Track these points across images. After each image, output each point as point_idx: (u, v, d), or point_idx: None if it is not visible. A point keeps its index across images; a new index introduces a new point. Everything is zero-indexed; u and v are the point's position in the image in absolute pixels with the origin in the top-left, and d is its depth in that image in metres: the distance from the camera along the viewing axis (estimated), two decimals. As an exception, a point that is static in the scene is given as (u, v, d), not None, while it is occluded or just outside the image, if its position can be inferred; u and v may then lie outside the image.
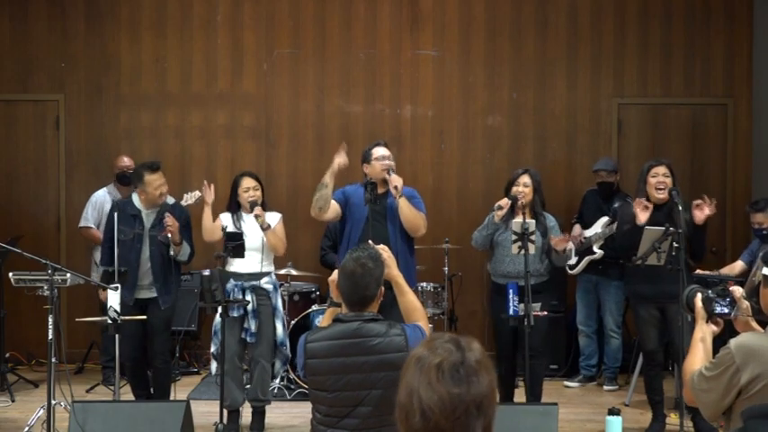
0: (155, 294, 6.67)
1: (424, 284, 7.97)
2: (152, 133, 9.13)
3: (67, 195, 9.17)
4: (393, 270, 3.99)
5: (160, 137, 9.13)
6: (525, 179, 6.64)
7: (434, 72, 9.20)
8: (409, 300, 4.00)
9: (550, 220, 6.73)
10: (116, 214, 6.66)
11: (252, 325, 6.54)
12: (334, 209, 6.44)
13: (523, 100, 9.20)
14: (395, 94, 9.22)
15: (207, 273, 6.18)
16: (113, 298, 6.16)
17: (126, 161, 8.39)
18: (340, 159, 6.40)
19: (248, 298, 6.55)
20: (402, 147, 8.99)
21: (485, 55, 9.19)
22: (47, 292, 5.76)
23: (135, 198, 6.77)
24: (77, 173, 9.19)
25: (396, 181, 6.32)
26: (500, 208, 6.52)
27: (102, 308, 6.52)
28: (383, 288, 3.82)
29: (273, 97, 9.22)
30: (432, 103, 9.21)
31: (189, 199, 6.92)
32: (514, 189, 6.61)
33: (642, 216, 6.38)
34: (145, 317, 6.56)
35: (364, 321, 3.70)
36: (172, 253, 6.63)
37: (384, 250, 4.00)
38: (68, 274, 6.06)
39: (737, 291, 3.35)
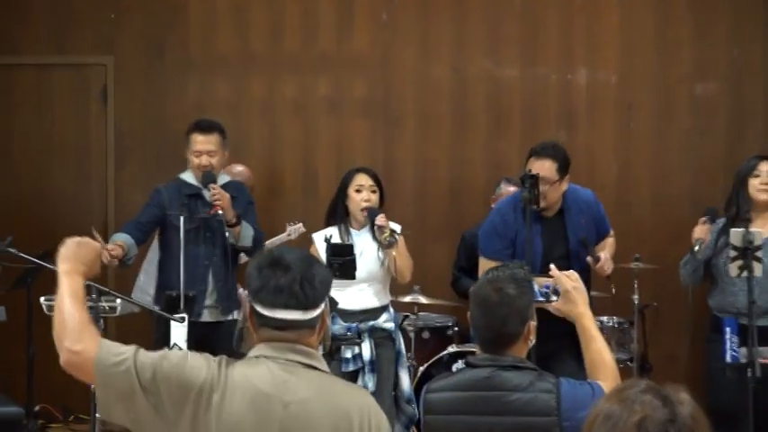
0: (218, 316, 6.80)
1: (605, 319, 7.86)
2: (230, 108, 9.02)
3: (117, 192, 9.14)
4: (579, 307, 3.94)
5: (241, 113, 9.08)
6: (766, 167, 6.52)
7: (621, 22, 9.01)
8: (596, 350, 3.88)
9: None
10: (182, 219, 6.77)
11: (369, 382, 6.49)
12: None
13: (749, 59, 8.93)
14: (565, 54, 9.06)
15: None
16: (179, 333, 6.19)
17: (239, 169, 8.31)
18: None
19: (365, 345, 6.49)
20: (574, 126, 8.83)
21: (691, -4, 8.79)
22: (90, 324, 5.80)
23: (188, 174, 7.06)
24: (130, 162, 9.18)
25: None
26: (700, 242, 6.48)
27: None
28: (533, 324, 3.75)
29: (394, 59, 9.13)
30: (616, 65, 9.04)
31: (292, 233, 6.97)
32: (754, 186, 6.47)
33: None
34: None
35: (500, 368, 3.69)
36: (231, 240, 6.65)
37: (571, 278, 3.88)
38: (118, 300, 6.12)
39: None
